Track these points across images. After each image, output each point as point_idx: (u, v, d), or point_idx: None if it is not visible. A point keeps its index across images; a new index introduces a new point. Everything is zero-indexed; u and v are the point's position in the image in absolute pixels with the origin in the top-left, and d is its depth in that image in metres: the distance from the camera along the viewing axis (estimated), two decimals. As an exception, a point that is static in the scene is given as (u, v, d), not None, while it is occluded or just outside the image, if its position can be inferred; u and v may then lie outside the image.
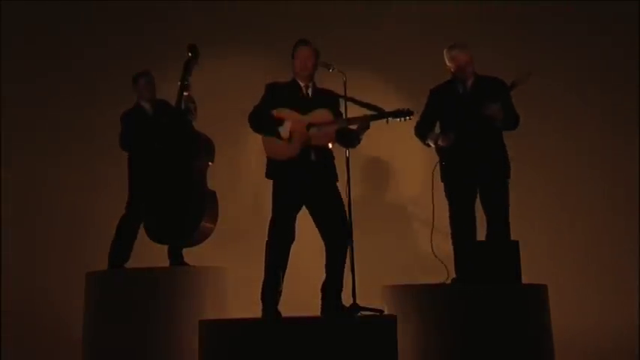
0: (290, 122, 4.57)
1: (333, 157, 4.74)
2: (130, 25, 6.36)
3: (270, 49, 6.19)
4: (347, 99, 4.61)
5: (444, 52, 4.95)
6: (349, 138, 4.65)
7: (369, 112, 4.67)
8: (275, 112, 4.64)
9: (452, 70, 4.95)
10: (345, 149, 4.60)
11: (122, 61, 6.14)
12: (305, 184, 4.63)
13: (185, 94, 5.20)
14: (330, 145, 4.69)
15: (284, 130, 4.56)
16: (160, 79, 5.49)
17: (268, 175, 4.70)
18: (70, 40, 6.37)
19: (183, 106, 5.22)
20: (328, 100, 4.73)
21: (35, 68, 6.33)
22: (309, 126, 4.63)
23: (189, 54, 5.23)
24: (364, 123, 4.61)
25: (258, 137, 4.86)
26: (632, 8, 6.28)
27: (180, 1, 6.53)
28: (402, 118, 4.65)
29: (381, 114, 4.65)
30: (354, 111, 4.70)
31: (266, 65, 6.18)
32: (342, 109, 4.68)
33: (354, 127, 4.62)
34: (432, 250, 5.08)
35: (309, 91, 4.74)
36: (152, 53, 6.20)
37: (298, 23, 6.18)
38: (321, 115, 4.65)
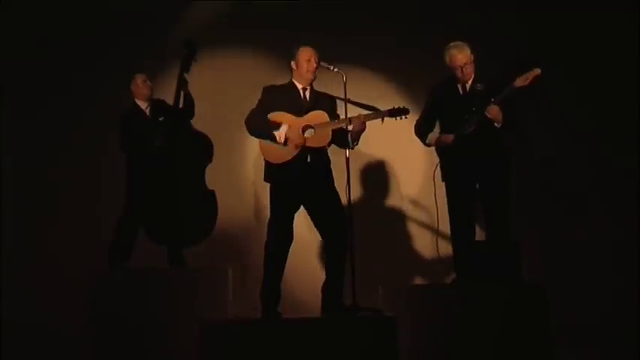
0: (286, 126, 4.58)
1: (329, 161, 4.73)
2: (129, 25, 6.36)
3: (271, 49, 6.19)
4: (345, 101, 4.60)
5: (444, 51, 4.94)
6: (345, 139, 4.64)
7: (365, 112, 4.68)
8: (271, 116, 4.64)
9: (451, 69, 4.94)
10: (345, 150, 4.60)
11: (122, 60, 6.13)
12: (302, 186, 4.63)
13: (183, 91, 5.20)
14: (326, 147, 4.68)
15: (279, 134, 4.57)
16: (159, 78, 5.49)
17: (266, 179, 4.70)
18: (69, 39, 6.36)
19: (181, 104, 5.22)
20: (326, 102, 4.73)
21: (34, 68, 6.32)
22: (305, 128, 4.63)
23: (186, 50, 5.22)
24: (359, 123, 4.61)
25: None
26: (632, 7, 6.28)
27: (180, 1, 6.52)
28: (398, 117, 4.66)
29: (375, 113, 4.65)
30: (353, 113, 4.70)
31: (266, 65, 6.17)
32: (341, 112, 4.67)
33: (349, 127, 4.62)
34: (437, 250, 5.08)
35: (307, 94, 4.73)
36: (152, 53, 6.19)
37: (298, 23, 6.17)
38: (317, 116, 4.65)
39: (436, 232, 5.16)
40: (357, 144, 4.71)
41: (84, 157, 6.22)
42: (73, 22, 6.39)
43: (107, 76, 6.17)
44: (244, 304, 5.09)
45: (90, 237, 5.82)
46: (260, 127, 4.65)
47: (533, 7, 6.34)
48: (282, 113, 4.64)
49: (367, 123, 4.63)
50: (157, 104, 5.37)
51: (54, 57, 6.34)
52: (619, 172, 6.19)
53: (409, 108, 4.70)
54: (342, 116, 4.66)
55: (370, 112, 4.66)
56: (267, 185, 4.75)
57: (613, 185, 6.19)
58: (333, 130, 4.62)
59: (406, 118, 4.69)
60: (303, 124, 4.63)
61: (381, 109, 4.68)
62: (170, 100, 5.26)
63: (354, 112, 4.72)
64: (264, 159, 4.70)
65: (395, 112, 4.65)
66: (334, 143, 4.69)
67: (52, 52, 6.34)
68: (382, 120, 4.66)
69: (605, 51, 6.30)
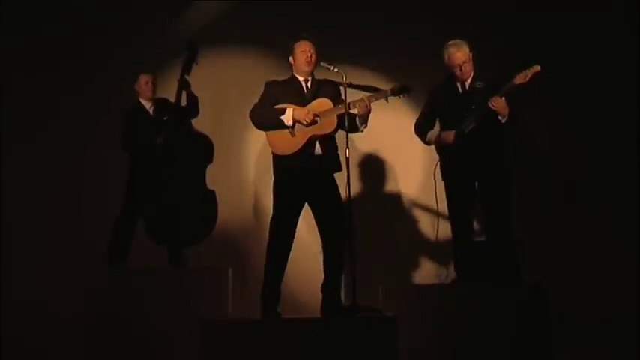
0: (292, 108, 4.58)
1: (337, 148, 4.73)
2: (129, 24, 6.36)
3: (271, 48, 6.19)
4: (346, 85, 4.60)
5: (443, 49, 4.94)
6: (352, 123, 4.64)
7: (367, 94, 4.68)
8: (275, 107, 4.64)
9: (450, 67, 4.94)
10: (345, 148, 4.60)
11: (122, 60, 6.14)
12: (308, 177, 4.62)
13: (185, 91, 5.21)
14: (334, 134, 4.68)
15: (286, 117, 4.57)
16: (159, 78, 5.50)
17: (275, 171, 4.69)
18: (69, 39, 6.36)
19: (184, 103, 5.24)
20: (328, 90, 4.73)
21: (35, 67, 6.32)
22: None
23: (188, 52, 5.23)
24: (364, 105, 4.60)
25: (259, 137, 4.87)
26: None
27: (181, 1, 6.53)
28: (401, 95, 4.66)
29: (378, 94, 4.66)
30: (355, 97, 4.69)
31: (266, 65, 6.17)
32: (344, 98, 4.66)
33: (354, 111, 4.62)
34: (437, 250, 5.09)
35: (309, 85, 4.74)
36: (152, 53, 6.20)
37: (299, 23, 6.17)
38: (321, 104, 4.65)
39: (436, 231, 5.17)
40: (365, 127, 4.71)
41: (84, 157, 6.21)
42: (72, 22, 6.39)
43: (107, 75, 6.18)
44: (244, 304, 5.09)
45: (90, 237, 5.82)
46: (265, 116, 4.64)
47: (533, 7, 6.34)
48: (285, 105, 4.65)
49: (372, 106, 4.63)
50: (160, 103, 5.39)
51: (53, 57, 6.34)
52: (619, 173, 6.18)
53: (411, 86, 4.69)
54: (345, 104, 4.64)
55: (373, 93, 4.67)
56: (268, 185, 4.74)
57: (613, 185, 6.19)
58: (338, 116, 4.63)
59: (408, 94, 4.69)
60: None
61: (383, 89, 4.69)
62: (173, 99, 5.27)
63: (357, 95, 4.72)
64: (272, 152, 4.70)
65: (397, 91, 4.66)
66: (342, 128, 4.67)
67: (52, 52, 6.34)
68: (387, 99, 4.67)
69: (605, 50, 6.29)
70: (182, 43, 5.37)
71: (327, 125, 4.62)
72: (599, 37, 6.29)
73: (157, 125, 5.24)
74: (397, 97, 4.67)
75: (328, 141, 4.67)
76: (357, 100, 4.61)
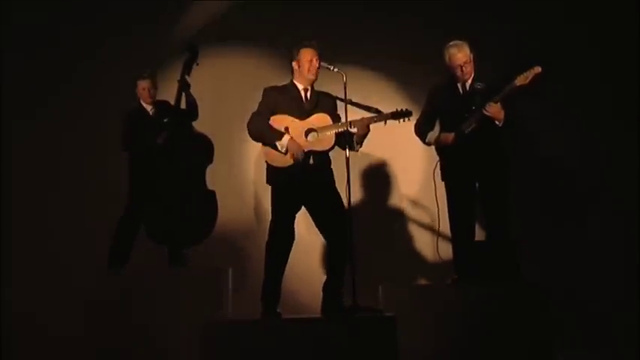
0: (288, 137, 4.57)
1: (330, 161, 4.74)
2: (130, 25, 6.36)
3: (272, 48, 6.19)
4: (346, 102, 4.61)
5: (444, 50, 4.94)
6: (349, 141, 4.65)
7: (367, 115, 4.69)
8: (273, 119, 4.64)
9: (450, 68, 4.94)
10: (345, 148, 4.60)
11: (123, 60, 6.14)
12: (303, 188, 4.63)
13: (184, 93, 5.22)
14: (330, 150, 4.68)
15: (281, 144, 4.57)
16: (160, 79, 5.50)
17: (268, 181, 4.70)
18: (70, 39, 6.36)
19: (186, 107, 5.24)
20: (327, 103, 4.74)
21: (33, 68, 6.32)
22: (308, 131, 4.63)
23: (189, 54, 5.23)
24: (363, 127, 4.61)
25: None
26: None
27: (181, 1, 6.53)
28: (401, 120, 4.67)
29: (379, 116, 4.66)
30: (353, 113, 4.70)
31: (268, 65, 6.17)
32: (342, 112, 4.67)
33: (353, 130, 4.62)
34: (437, 250, 5.09)
35: (308, 94, 4.73)
36: (152, 53, 6.19)
37: (299, 23, 6.17)
38: (320, 119, 4.65)
39: (436, 231, 5.17)
40: (360, 146, 4.73)
41: (84, 157, 6.21)
42: (73, 23, 6.39)
43: (107, 76, 6.18)
44: (244, 304, 5.09)
45: (90, 237, 5.82)
46: (262, 134, 4.65)
47: (533, 7, 6.34)
48: (284, 116, 4.65)
49: (370, 125, 4.64)
50: (161, 105, 5.39)
51: (54, 58, 6.34)
52: (619, 173, 6.18)
53: (411, 110, 4.71)
54: (342, 117, 4.67)
55: (374, 115, 4.68)
56: (268, 186, 4.75)
57: (613, 185, 6.19)
58: (336, 133, 4.63)
59: (409, 120, 4.72)
60: (306, 128, 4.64)
61: (384, 112, 4.70)
62: (174, 102, 5.28)
63: (356, 113, 4.72)
64: (266, 162, 4.70)
65: (398, 115, 4.67)
66: (338, 145, 4.69)
67: (52, 53, 6.35)
68: (385, 122, 4.68)
69: (604, 50, 6.30)
70: (183, 44, 5.37)
71: (325, 142, 4.63)
72: (599, 36, 6.29)
73: (157, 126, 5.25)
74: (397, 121, 4.67)
75: (322, 154, 4.68)
76: (356, 120, 4.61)
